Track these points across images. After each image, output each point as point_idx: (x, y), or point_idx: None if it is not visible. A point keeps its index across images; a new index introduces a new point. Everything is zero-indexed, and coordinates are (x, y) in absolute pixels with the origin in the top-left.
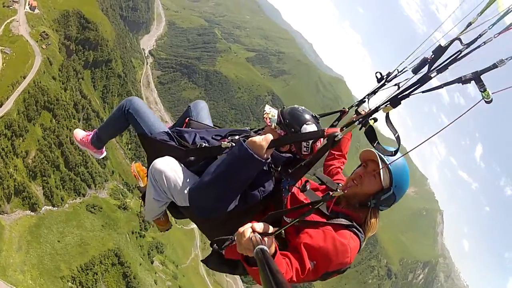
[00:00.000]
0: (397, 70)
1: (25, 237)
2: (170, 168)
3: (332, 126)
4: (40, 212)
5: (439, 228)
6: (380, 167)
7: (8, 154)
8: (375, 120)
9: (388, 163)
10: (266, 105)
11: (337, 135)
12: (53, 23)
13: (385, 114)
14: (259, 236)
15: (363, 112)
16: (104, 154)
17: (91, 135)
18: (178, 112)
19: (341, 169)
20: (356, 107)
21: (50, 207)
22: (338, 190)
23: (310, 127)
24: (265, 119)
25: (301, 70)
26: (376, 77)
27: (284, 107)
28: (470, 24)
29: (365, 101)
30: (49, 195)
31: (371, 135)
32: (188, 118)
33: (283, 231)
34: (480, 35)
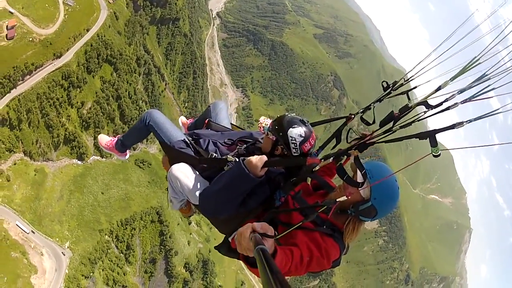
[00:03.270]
0: (404, 79)
1: (68, 186)
2: (184, 174)
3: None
4: (88, 162)
5: (464, 246)
6: (359, 178)
7: (63, 104)
8: (348, 155)
9: (368, 176)
10: (262, 116)
11: (315, 165)
12: None
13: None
14: (259, 236)
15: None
16: (128, 156)
17: (115, 141)
18: (238, 77)
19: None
20: (362, 114)
21: (99, 158)
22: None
23: (296, 130)
24: (259, 128)
25: (366, 55)
26: (382, 86)
27: (277, 116)
28: (440, 88)
29: (370, 108)
30: (99, 146)
31: (341, 171)
32: (208, 120)
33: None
34: (447, 100)
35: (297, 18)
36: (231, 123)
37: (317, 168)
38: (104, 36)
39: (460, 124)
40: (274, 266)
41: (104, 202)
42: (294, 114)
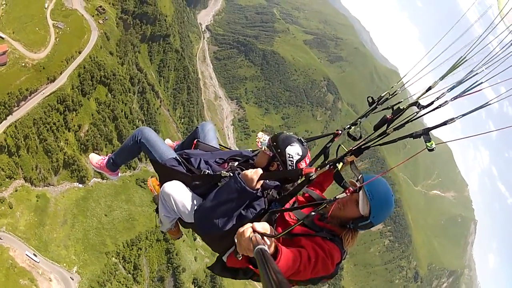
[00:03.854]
0: (389, 93)
1: (71, 210)
2: (176, 191)
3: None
4: (89, 185)
5: (470, 238)
6: (360, 198)
7: (60, 128)
8: (344, 163)
9: (369, 197)
10: (260, 132)
11: (312, 175)
12: None
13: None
14: (259, 236)
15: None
16: (119, 176)
17: (105, 160)
18: (232, 89)
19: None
20: (348, 129)
21: (99, 180)
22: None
23: (293, 148)
24: (257, 143)
25: (358, 58)
26: (368, 101)
27: (275, 133)
28: (430, 88)
29: (357, 123)
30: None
31: (338, 177)
32: (196, 140)
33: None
34: (437, 98)
35: (286, 26)
36: (219, 144)
37: (314, 176)
38: (97, 57)
39: (451, 120)
40: (274, 266)
41: (108, 224)
42: (292, 133)
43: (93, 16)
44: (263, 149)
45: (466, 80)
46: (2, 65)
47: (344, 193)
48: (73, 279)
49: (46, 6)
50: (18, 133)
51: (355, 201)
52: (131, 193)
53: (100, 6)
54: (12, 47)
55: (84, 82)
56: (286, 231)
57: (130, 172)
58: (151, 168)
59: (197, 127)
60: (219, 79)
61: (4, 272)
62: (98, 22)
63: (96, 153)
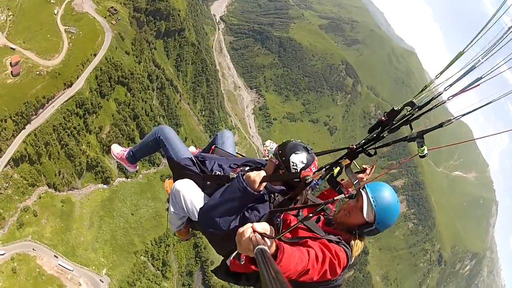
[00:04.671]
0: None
1: (97, 212)
2: (186, 189)
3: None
4: (113, 185)
5: (492, 219)
6: (365, 204)
7: (81, 132)
8: (341, 167)
9: (374, 204)
10: (268, 140)
11: (308, 178)
12: None
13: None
14: (259, 236)
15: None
16: (137, 168)
17: (126, 152)
18: (251, 78)
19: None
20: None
21: (124, 179)
22: (331, 214)
23: (298, 156)
24: (264, 151)
25: (374, 40)
26: (375, 126)
27: (283, 141)
28: (425, 87)
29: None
30: (123, 168)
31: (333, 182)
32: (214, 146)
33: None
34: (433, 98)
35: (301, 12)
36: (236, 152)
37: (310, 179)
38: (113, 58)
39: (448, 121)
40: (274, 266)
41: (135, 223)
42: (300, 140)
43: (105, 17)
44: (270, 157)
45: (464, 76)
46: (16, 75)
47: (342, 195)
48: (102, 282)
49: (56, 13)
50: (38, 141)
51: (360, 207)
52: (156, 190)
53: (112, 7)
54: (24, 56)
55: (102, 84)
56: (286, 231)
57: (154, 168)
58: None
59: (216, 134)
60: (237, 69)
61: (31, 282)
62: (111, 23)
63: (118, 144)
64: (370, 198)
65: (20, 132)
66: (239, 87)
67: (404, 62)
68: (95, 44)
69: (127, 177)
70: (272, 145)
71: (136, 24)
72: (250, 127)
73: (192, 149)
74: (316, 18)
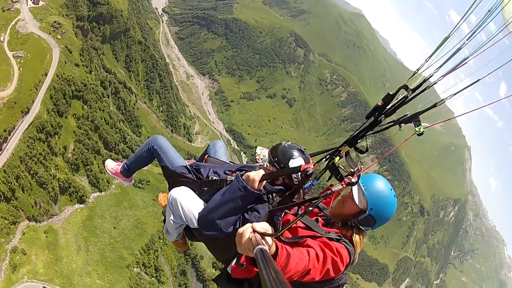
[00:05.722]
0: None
1: (80, 234)
2: (183, 196)
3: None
4: (89, 202)
5: (467, 164)
6: (354, 190)
7: (47, 157)
8: (340, 157)
9: (363, 188)
10: (258, 147)
11: (308, 170)
12: (61, 10)
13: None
14: (259, 236)
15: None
16: (132, 181)
17: (120, 166)
18: (202, 65)
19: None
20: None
21: (98, 193)
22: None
23: (296, 161)
24: (258, 160)
25: (320, 8)
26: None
27: (273, 146)
28: (417, 70)
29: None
30: (95, 182)
31: (335, 170)
32: (207, 155)
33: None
34: (425, 80)
35: None
36: (230, 161)
37: (310, 171)
38: (64, 74)
39: (441, 101)
40: (274, 266)
41: (120, 236)
42: (290, 142)
43: (50, 33)
44: (265, 165)
45: (451, 58)
46: None
47: (340, 185)
48: None
49: (1, 40)
50: (8, 176)
51: (351, 195)
52: (132, 197)
53: (55, 22)
54: None
55: (58, 102)
56: (286, 228)
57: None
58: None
59: (209, 145)
60: (186, 58)
61: None
62: (57, 38)
63: (111, 159)
64: (360, 183)
65: None
66: (192, 76)
67: (352, 25)
68: (45, 63)
69: (100, 191)
70: (263, 152)
71: (81, 33)
72: (210, 113)
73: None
74: None
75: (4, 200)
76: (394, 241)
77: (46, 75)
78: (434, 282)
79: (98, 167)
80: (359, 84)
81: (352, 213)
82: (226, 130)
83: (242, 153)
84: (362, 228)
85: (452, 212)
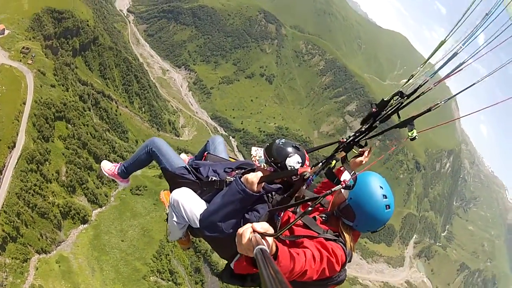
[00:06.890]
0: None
1: (91, 255)
2: (185, 197)
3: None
4: (92, 220)
5: (455, 114)
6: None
7: (42, 186)
8: (337, 160)
9: (349, 179)
10: (252, 147)
11: (305, 173)
12: (27, 33)
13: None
14: (259, 236)
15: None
16: (129, 183)
17: (117, 167)
18: (175, 57)
19: None
20: (354, 140)
21: (99, 210)
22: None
23: (292, 159)
24: (254, 161)
25: None
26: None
27: (268, 145)
28: (412, 76)
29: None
30: (93, 199)
31: (331, 175)
32: (206, 152)
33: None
34: (420, 86)
35: None
36: (229, 156)
37: (308, 175)
38: (42, 98)
39: (436, 105)
40: (274, 266)
41: (130, 249)
42: (284, 139)
43: (20, 60)
44: (261, 166)
45: (445, 64)
46: None
47: (340, 185)
48: None
49: None
50: (10, 216)
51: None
52: (132, 206)
53: (23, 47)
54: None
55: (42, 128)
56: (285, 228)
57: (120, 186)
58: (137, 172)
59: (208, 141)
60: (159, 54)
61: None
62: (28, 63)
63: (108, 160)
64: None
65: None
66: (168, 70)
67: None
68: (21, 92)
69: (100, 206)
70: (259, 152)
71: (51, 52)
72: (192, 104)
73: (184, 156)
74: None
75: (11, 241)
76: (395, 199)
77: (24, 104)
78: (442, 234)
79: (94, 183)
80: (335, 50)
81: (339, 202)
82: (211, 118)
83: (230, 137)
84: (346, 222)
85: (448, 163)
